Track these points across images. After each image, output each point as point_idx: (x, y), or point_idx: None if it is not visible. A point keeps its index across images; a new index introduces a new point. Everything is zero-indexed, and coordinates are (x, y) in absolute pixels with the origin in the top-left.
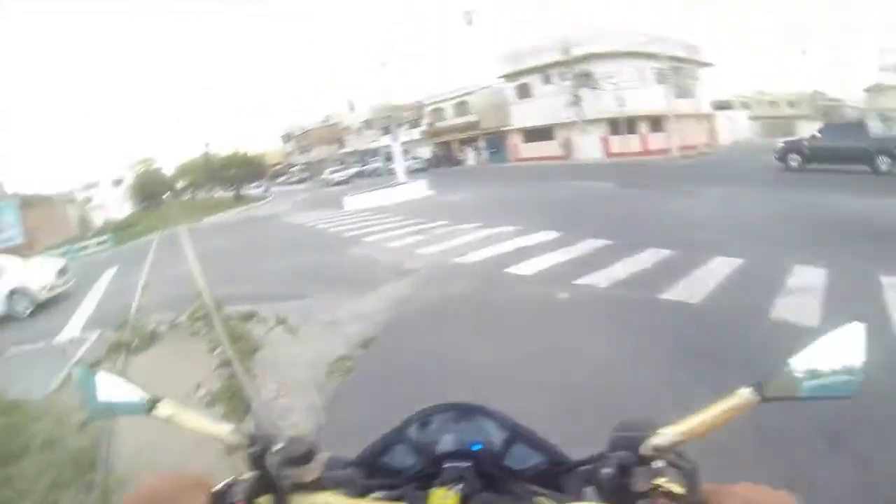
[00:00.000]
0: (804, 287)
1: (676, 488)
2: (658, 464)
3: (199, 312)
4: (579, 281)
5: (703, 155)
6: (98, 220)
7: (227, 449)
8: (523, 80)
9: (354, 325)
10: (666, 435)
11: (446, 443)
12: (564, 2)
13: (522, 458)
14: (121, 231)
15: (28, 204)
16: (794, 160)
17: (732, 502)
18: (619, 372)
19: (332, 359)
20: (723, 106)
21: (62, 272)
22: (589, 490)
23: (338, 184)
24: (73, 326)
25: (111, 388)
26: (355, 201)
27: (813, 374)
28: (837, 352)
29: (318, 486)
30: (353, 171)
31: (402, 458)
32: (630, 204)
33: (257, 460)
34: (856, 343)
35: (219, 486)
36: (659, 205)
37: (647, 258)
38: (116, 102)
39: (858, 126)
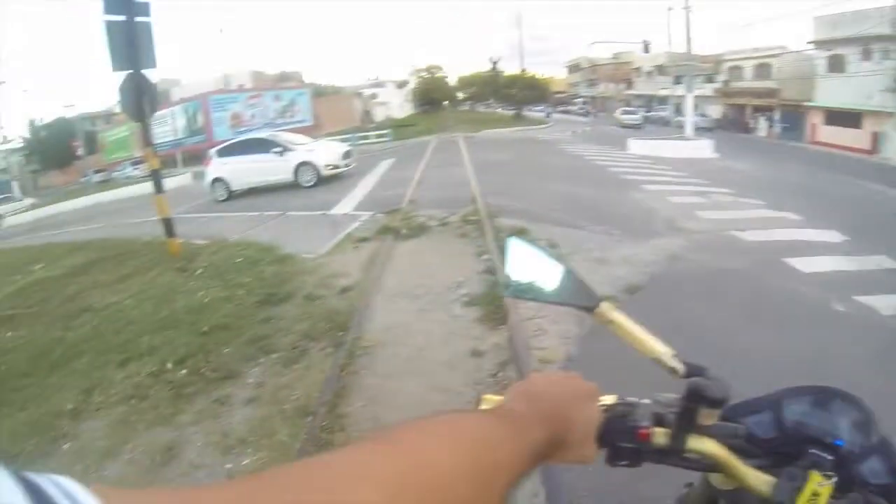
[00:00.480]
0: None
1: None
2: None
3: (471, 217)
4: (860, 298)
5: None
6: (380, 115)
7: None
8: (838, 50)
9: (623, 268)
10: None
11: (812, 428)
12: None
13: (876, 472)
14: (400, 128)
15: (320, 92)
16: None
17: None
18: None
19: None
20: None
21: (346, 155)
22: None
23: (628, 126)
24: (348, 204)
25: (547, 271)
26: (639, 146)
27: None
28: None
29: (710, 431)
30: (642, 116)
31: (763, 426)
32: None
33: (692, 391)
34: None
35: (604, 400)
36: None
37: None
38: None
39: None
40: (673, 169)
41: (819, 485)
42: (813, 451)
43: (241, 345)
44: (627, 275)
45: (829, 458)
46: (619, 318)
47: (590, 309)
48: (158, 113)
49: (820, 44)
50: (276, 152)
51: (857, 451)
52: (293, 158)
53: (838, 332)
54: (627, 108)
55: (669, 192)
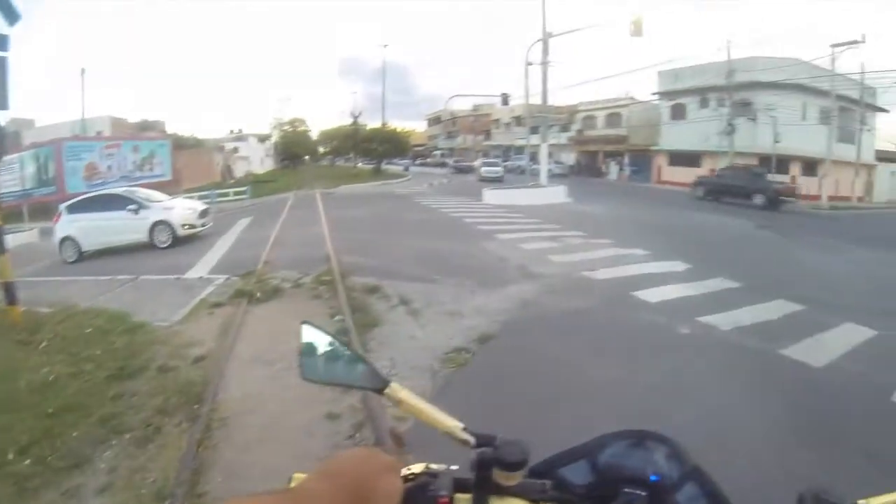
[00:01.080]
0: None
1: None
2: None
3: (324, 277)
4: (702, 318)
5: (854, 209)
6: (241, 170)
7: (458, 443)
8: (679, 100)
9: (476, 318)
10: None
11: (626, 468)
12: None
13: (692, 498)
14: (259, 185)
15: (181, 144)
16: None
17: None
18: None
19: (449, 348)
20: (888, 157)
21: (203, 214)
22: None
23: (488, 180)
24: (204, 266)
25: (336, 355)
26: (494, 196)
27: None
28: None
29: (514, 491)
30: (502, 168)
31: (579, 474)
32: (765, 247)
33: (482, 461)
34: None
35: (408, 472)
36: (792, 253)
37: (774, 308)
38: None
39: None
40: (527, 216)
41: None
42: (626, 489)
43: (91, 426)
44: (480, 325)
45: (643, 493)
46: (408, 396)
47: (379, 391)
48: (6, 158)
49: (664, 94)
50: (131, 210)
51: (672, 482)
52: (149, 217)
53: (683, 354)
54: (488, 160)
55: (523, 240)
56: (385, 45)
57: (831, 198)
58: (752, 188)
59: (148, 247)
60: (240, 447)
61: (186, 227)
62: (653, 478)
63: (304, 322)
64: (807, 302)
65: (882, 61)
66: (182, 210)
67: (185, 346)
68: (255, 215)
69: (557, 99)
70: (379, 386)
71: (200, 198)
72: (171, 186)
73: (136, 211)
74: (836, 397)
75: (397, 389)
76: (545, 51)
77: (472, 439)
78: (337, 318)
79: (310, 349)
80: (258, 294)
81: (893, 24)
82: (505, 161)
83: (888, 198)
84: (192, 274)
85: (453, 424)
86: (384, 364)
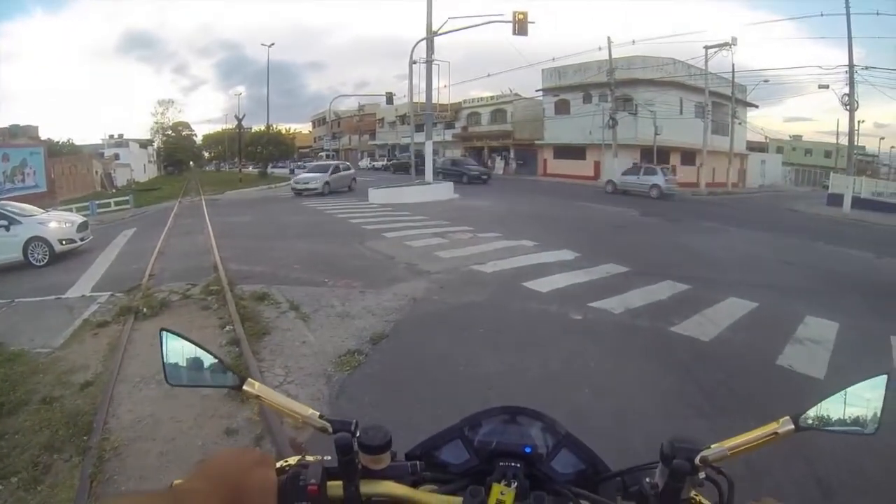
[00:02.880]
0: None
1: (706, 501)
2: (701, 475)
3: (213, 286)
4: (594, 304)
5: (729, 194)
6: (122, 178)
7: (315, 431)
8: (563, 96)
9: (366, 319)
10: (717, 450)
11: (500, 443)
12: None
13: (566, 464)
14: (143, 193)
15: (56, 151)
16: None
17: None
18: None
19: (342, 351)
20: (757, 147)
21: (82, 227)
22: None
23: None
24: (85, 284)
25: (196, 359)
26: (380, 195)
27: (841, 413)
28: (863, 398)
29: (384, 474)
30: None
31: (456, 454)
32: (651, 233)
33: (340, 446)
34: (877, 393)
35: (285, 463)
36: (677, 237)
37: (663, 289)
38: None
39: None
40: (414, 214)
41: (501, 493)
42: (502, 463)
43: None
44: (372, 325)
45: (517, 465)
46: (264, 390)
47: (237, 387)
48: None
49: (548, 91)
50: (1, 226)
51: (546, 451)
52: (22, 233)
53: (578, 339)
54: (314, 164)
55: (410, 237)
56: (270, 45)
57: (709, 185)
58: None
59: (23, 266)
60: (137, 476)
61: (64, 242)
62: (526, 449)
63: (163, 329)
64: (692, 281)
65: (751, 61)
66: (59, 224)
67: (70, 373)
68: (139, 226)
69: (444, 96)
70: (237, 383)
71: (79, 209)
72: (46, 198)
73: (6, 227)
74: (725, 367)
75: (254, 384)
76: (429, 49)
77: (329, 426)
78: (227, 328)
79: (172, 356)
80: (145, 310)
81: (762, 28)
82: (390, 160)
83: (759, 183)
84: (73, 293)
85: (310, 413)
86: (278, 373)
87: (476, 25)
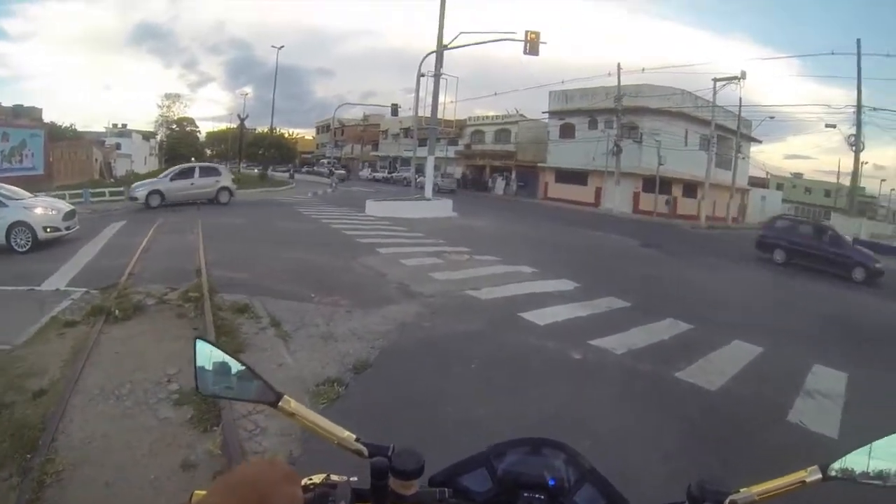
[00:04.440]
0: None
1: None
2: None
3: (192, 293)
4: (594, 342)
5: (729, 229)
6: (122, 169)
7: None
8: (569, 119)
9: (351, 343)
10: (745, 496)
11: (524, 475)
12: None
13: (589, 499)
14: None
15: (58, 135)
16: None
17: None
18: None
19: (321, 379)
20: (758, 183)
21: (69, 216)
22: None
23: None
24: (63, 277)
25: (231, 371)
26: (378, 208)
27: (867, 465)
28: (889, 451)
29: (413, 500)
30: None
31: (480, 482)
32: (651, 265)
33: (376, 470)
34: None
35: (309, 481)
36: (676, 271)
37: (665, 328)
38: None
39: None
40: (410, 230)
41: None
42: (526, 494)
43: None
44: (356, 350)
45: (541, 497)
46: (300, 409)
47: (273, 404)
48: None
49: (554, 113)
50: None
51: (570, 485)
52: (6, 216)
53: (578, 382)
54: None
55: (404, 255)
56: (280, 47)
57: (709, 218)
58: None
59: (4, 250)
60: None
61: (49, 229)
62: (551, 482)
63: (198, 338)
64: (695, 321)
65: (756, 96)
66: (45, 211)
67: (26, 377)
68: (129, 219)
69: (449, 112)
70: (272, 399)
71: (73, 196)
72: (42, 182)
73: None
74: (735, 422)
75: (290, 402)
76: (438, 62)
77: (365, 450)
78: None
79: (205, 365)
80: (117, 312)
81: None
82: (390, 172)
83: (759, 219)
84: (47, 285)
85: (346, 435)
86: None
87: (487, 42)
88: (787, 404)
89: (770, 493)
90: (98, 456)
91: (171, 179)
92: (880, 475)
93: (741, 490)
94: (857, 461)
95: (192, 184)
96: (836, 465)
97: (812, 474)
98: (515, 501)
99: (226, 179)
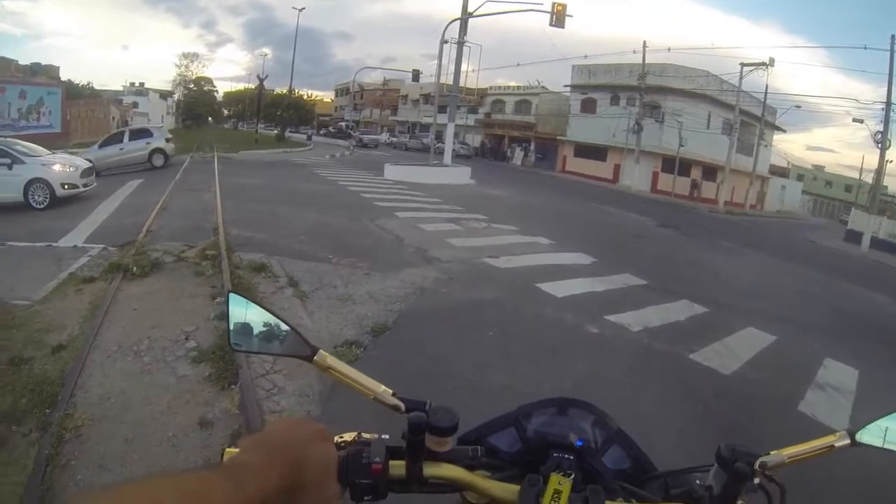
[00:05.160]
0: None
1: None
2: (756, 481)
3: (210, 251)
4: (611, 317)
5: (747, 215)
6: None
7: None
8: (591, 94)
9: (369, 305)
10: (776, 457)
11: (552, 434)
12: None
13: (616, 460)
14: None
15: (75, 93)
16: None
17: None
18: None
19: (339, 341)
20: (779, 172)
21: (87, 173)
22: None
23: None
24: (80, 234)
25: (266, 325)
26: (395, 172)
27: None
28: None
29: (447, 457)
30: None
31: (508, 441)
32: (668, 245)
33: (413, 425)
34: None
35: (340, 439)
36: (692, 253)
37: (680, 309)
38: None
39: None
40: (428, 195)
41: (559, 484)
42: (555, 454)
43: None
44: (374, 314)
45: (570, 457)
46: (336, 363)
47: (308, 358)
48: None
49: (576, 87)
50: (3, 164)
51: (598, 445)
52: (25, 173)
53: (594, 356)
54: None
55: (423, 220)
56: (301, 9)
57: (727, 203)
58: None
59: (22, 207)
60: (95, 465)
61: (67, 186)
62: (578, 442)
63: (231, 292)
64: (710, 304)
65: (782, 84)
66: (63, 167)
67: (45, 332)
68: (147, 177)
69: (471, 80)
70: (307, 354)
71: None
72: (59, 139)
73: (9, 166)
74: (747, 408)
75: (326, 356)
76: (462, 29)
77: (402, 405)
78: (218, 299)
79: (238, 320)
80: (135, 269)
81: (799, 53)
82: (410, 137)
83: (777, 208)
84: (65, 242)
85: (383, 390)
86: (266, 358)
87: (513, 11)
88: (798, 395)
89: (800, 456)
90: (117, 412)
91: (100, 147)
92: None
93: (771, 453)
94: (889, 427)
95: (121, 149)
96: (865, 431)
97: (841, 439)
98: (544, 461)
99: (158, 140)
